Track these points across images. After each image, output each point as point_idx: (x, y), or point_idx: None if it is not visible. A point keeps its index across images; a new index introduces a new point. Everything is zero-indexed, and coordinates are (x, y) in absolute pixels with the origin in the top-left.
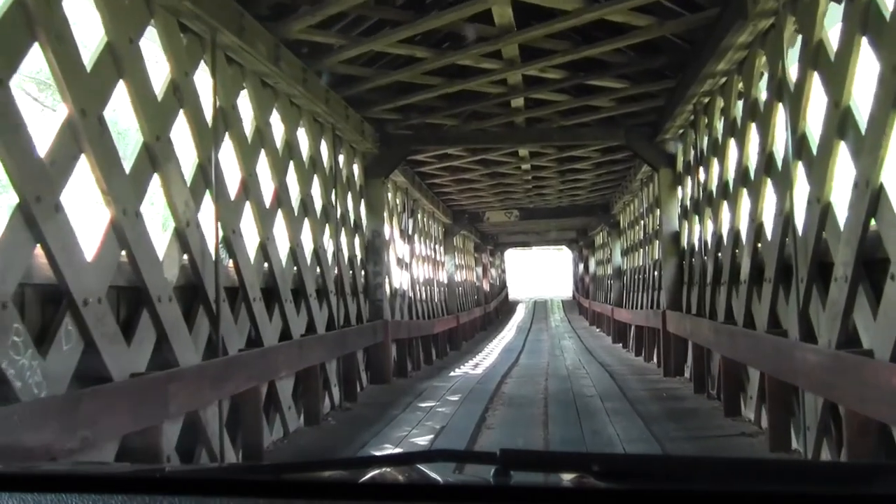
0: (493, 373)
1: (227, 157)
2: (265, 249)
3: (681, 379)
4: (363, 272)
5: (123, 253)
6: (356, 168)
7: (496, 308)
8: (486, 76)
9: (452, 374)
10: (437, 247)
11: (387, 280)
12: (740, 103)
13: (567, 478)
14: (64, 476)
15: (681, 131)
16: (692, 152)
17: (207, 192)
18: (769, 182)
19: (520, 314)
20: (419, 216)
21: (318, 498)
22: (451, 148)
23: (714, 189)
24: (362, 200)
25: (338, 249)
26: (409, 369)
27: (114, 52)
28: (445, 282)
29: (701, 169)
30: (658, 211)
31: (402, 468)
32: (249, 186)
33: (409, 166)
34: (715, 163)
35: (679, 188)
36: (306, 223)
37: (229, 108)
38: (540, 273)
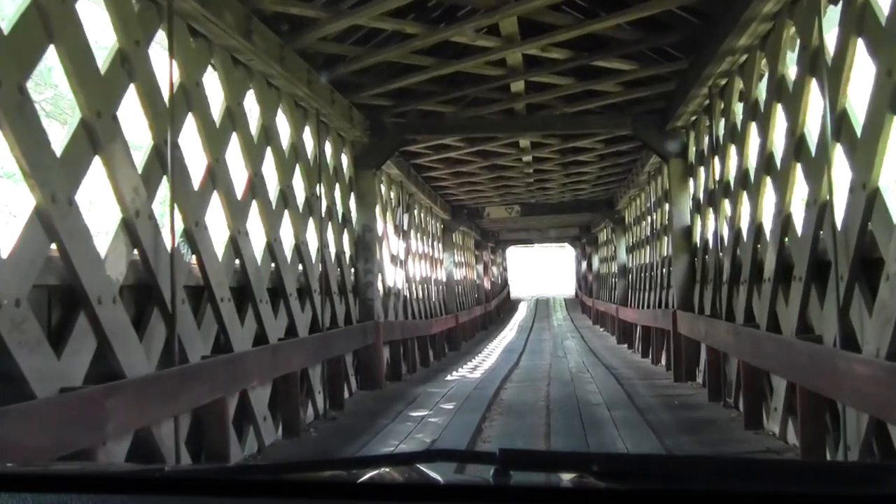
0: (492, 376)
1: (194, 141)
2: (236, 244)
3: (693, 385)
4: (353, 270)
5: (54, 247)
6: (345, 158)
7: (497, 307)
8: (484, 55)
9: (449, 377)
10: (434, 244)
11: (379, 278)
12: (763, 83)
13: (567, 478)
14: (63, 476)
15: (693, 118)
16: (706, 140)
17: (165, 178)
18: (799, 168)
19: (521, 313)
20: (415, 211)
21: (318, 498)
22: (448, 137)
23: (732, 179)
24: (352, 193)
25: (323, 245)
26: (403, 372)
27: (42, 13)
28: (444, 280)
29: (716, 158)
30: (667, 205)
31: (401, 468)
32: (217, 174)
33: (403, 158)
34: (733, 150)
35: (691, 180)
36: (286, 216)
37: (192, 86)
38: (542, 271)
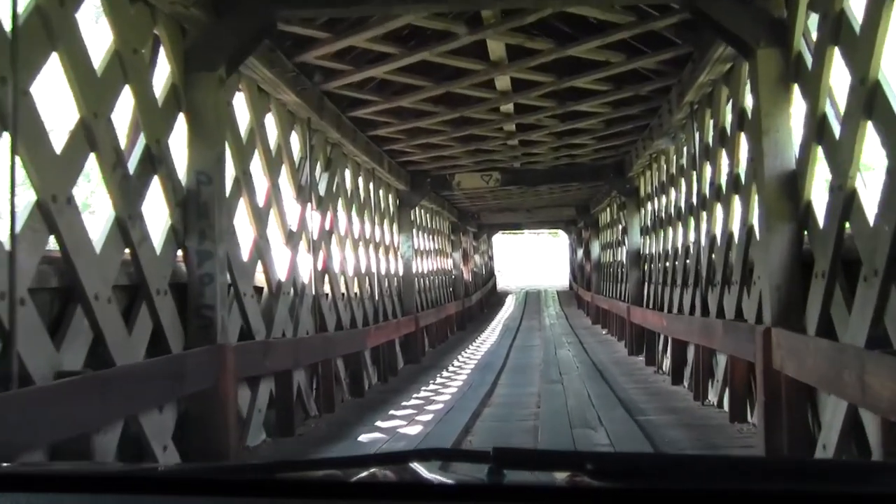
0: (448, 427)
1: None
2: None
3: None
4: (183, 253)
5: None
6: (164, 54)
7: (481, 301)
8: None
9: (374, 431)
10: (384, 222)
11: (233, 268)
12: None
13: (560, 476)
14: (57, 476)
15: None
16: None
17: None
18: None
19: (508, 308)
20: (345, 172)
21: (311, 497)
22: (365, 33)
23: None
24: (179, 113)
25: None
26: (310, 415)
27: None
28: (398, 271)
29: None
30: (740, 139)
31: (395, 467)
32: None
33: (306, 78)
34: None
35: (802, 84)
36: None
37: None
38: (533, 260)
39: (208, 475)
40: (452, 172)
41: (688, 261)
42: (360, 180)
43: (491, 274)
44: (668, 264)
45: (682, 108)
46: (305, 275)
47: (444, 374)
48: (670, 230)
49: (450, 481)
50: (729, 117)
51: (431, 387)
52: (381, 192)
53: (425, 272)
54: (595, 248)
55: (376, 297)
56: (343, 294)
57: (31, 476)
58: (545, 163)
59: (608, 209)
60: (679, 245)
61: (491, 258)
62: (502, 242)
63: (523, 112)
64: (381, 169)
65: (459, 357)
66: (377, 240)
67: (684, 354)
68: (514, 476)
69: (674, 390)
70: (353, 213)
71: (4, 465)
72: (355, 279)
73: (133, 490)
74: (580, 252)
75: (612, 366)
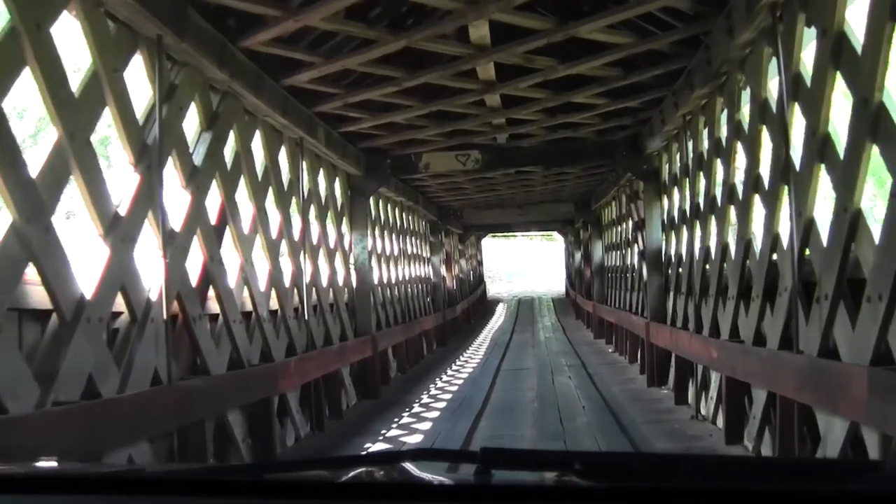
0: None
1: None
2: None
3: None
4: None
5: None
6: None
7: (467, 311)
8: None
9: None
10: (326, 215)
11: None
12: None
13: (549, 476)
14: (43, 477)
15: None
16: None
17: None
18: None
19: (499, 318)
20: (239, 133)
21: (301, 498)
22: None
23: None
24: None
25: None
26: None
27: None
28: (349, 280)
29: None
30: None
31: (384, 467)
32: None
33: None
34: None
35: None
36: None
37: None
38: (525, 266)
39: (198, 476)
40: (419, 152)
41: (747, 262)
42: (285, 154)
43: (480, 280)
44: (710, 267)
45: (733, 50)
46: (153, 290)
47: (406, 417)
48: (711, 222)
49: (439, 481)
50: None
51: (387, 435)
52: (319, 174)
53: (393, 280)
54: (597, 250)
55: (308, 316)
56: (238, 318)
57: (17, 478)
58: (538, 137)
59: (614, 202)
60: (733, 241)
61: (480, 263)
62: (493, 247)
63: (509, 77)
64: (312, 140)
65: (433, 386)
66: (312, 240)
67: (744, 399)
68: (503, 476)
69: (731, 452)
70: (270, 202)
71: None
72: (272, 292)
73: (121, 491)
74: (578, 255)
75: (631, 405)
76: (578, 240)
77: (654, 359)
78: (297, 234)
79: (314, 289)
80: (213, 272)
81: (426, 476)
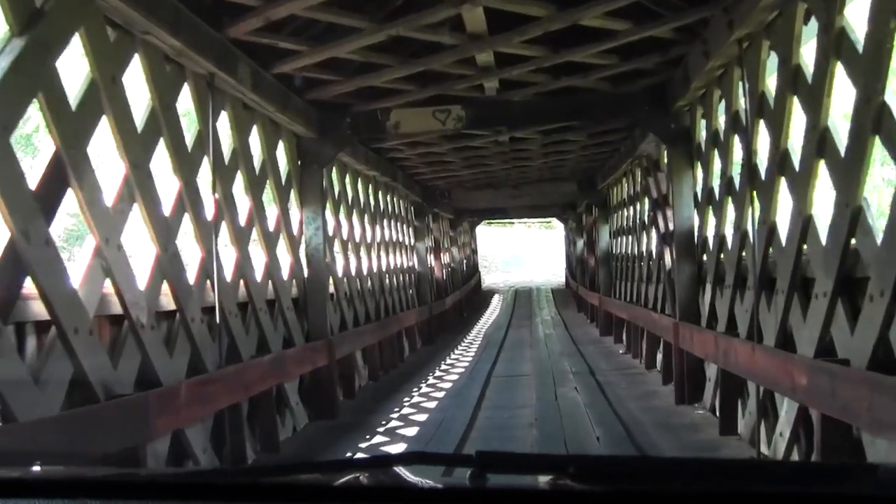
0: None
1: None
2: None
3: None
4: None
5: None
6: None
7: (459, 302)
8: None
9: None
10: (261, 185)
11: None
12: None
13: (544, 479)
14: (39, 481)
15: None
16: None
17: None
18: None
19: (493, 311)
20: (90, 51)
21: (295, 501)
22: None
23: None
24: None
25: None
26: None
27: None
28: (296, 272)
29: None
30: None
31: (379, 471)
32: None
33: None
34: None
35: None
36: None
37: None
38: (523, 254)
39: (192, 480)
40: (387, 107)
41: (851, 241)
42: (189, 96)
43: (475, 270)
44: (776, 252)
45: None
46: None
47: (364, 448)
48: (779, 187)
49: (433, 485)
50: None
51: None
52: (252, 132)
53: (364, 270)
54: (604, 236)
55: (231, 318)
56: (86, 326)
57: (11, 482)
58: (536, 86)
59: (626, 179)
60: (821, 214)
61: (474, 251)
62: (489, 235)
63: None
64: (230, 79)
65: (407, 401)
66: (239, 219)
67: (844, 445)
68: (498, 480)
69: None
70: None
71: None
72: (161, 287)
73: (117, 494)
74: (580, 242)
75: (661, 435)
76: (581, 226)
77: (685, 369)
78: (210, 211)
79: (241, 282)
80: (27, 258)
81: (421, 480)
